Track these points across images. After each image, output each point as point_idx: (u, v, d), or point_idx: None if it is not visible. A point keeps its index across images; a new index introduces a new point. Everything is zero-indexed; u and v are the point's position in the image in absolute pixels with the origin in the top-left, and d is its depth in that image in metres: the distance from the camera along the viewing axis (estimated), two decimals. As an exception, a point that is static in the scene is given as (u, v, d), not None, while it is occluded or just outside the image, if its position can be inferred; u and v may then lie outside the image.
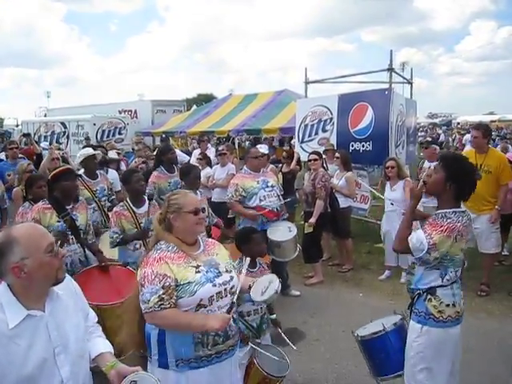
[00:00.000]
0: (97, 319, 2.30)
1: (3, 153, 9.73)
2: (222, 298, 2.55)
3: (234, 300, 2.60)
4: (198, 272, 2.51)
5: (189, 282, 2.45)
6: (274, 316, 3.87)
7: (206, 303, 2.49)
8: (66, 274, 2.03)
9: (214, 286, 2.52)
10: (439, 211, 2.90)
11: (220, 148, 9.80)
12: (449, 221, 2.80)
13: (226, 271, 2.64)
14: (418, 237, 2.83)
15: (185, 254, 2.56)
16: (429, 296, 2.91)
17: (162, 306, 2.38)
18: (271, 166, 8.05)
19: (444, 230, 2.78)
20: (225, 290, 2.57)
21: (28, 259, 1.82)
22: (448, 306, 2.89)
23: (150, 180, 6.03)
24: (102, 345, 2.17)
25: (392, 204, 6.30)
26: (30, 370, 1.80)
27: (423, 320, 2.91)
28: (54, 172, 4.38)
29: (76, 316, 2.05)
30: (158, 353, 2.53)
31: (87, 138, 13.41)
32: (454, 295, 2.91)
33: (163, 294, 2.39)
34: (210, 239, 2.95)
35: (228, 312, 2.51)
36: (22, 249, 1.82)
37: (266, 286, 2.77)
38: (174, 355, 2.51)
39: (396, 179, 6.29)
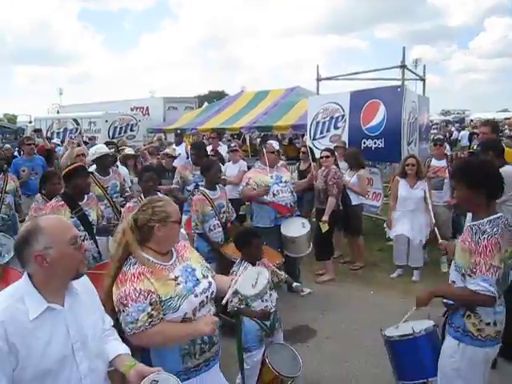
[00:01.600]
0: (113, 323, 2.28)
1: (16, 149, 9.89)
2: (203, 306, 2.50)
3: (223, 303, 2.61)
4: (178, 284, 2.42)
5: (171, 297, 2.36)
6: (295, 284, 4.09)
7: (190, 316, 2.43)
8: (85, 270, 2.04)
9: (196, 296, 2.45)
10: (473, 223, 2.73)
11: (232, 145, 9.80)
12: (485, 236, 2.61)
13: (204, 277, 2.57)
14: (484, 281, 2.55)
15: (161, 266, 2.43)
16: (468, 312, 2.75)
17: (153, 323, 2.29)
18: (281, 162, 8.01)
19: (488, 251, 2.56)
20: (206, 297, 2.53)
21: (51, 249, 1.84)
22: (488, 324, 2.71)
23: (177, 169, 6.58)
24: (119, 346, 2.16)
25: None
26: (49, 364, 1.81)
27: (460, 336, 2.76)
28: (67, 169, 4.43)
29: (93, 314, 2.06)
30: (153, 353, 2.45)
31: (92, 138, 13.46)
32: (495, 313, 2.72)
33: (152, 310, 2.29)
34: (180, 242, 2.77)
35: (216, 315, 2.49)
36: (46, 238, 1.84)
37: (255, 277, 2.74)
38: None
39: (415, 177, 6.23)
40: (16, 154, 11.80)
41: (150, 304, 2.30)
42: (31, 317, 1.81)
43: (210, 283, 2.57)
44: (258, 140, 16.31)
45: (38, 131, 13.14)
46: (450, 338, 2.84)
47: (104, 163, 5.80)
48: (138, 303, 2.27)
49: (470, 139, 23.09)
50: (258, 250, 3.73)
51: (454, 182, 2.95)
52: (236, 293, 2.73)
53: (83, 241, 4.20)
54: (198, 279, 2.52)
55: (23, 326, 1.78)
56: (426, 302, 2.94)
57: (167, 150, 8.20)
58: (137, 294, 2.28)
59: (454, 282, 2.87)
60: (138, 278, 2.33)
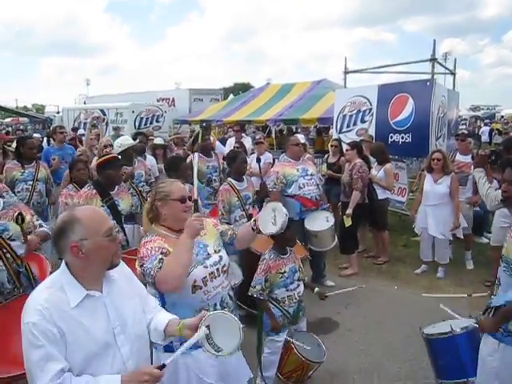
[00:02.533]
0: (158, 302, 2.35)
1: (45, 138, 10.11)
2: (215, 277, 2.65)
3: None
4: None
5: None
6: (316, 289, 4.03)
7: (200, 284, 2.57)
8: (121, 260, 2.08)
9: (205, 267, 2.61)
10: None
11: (257, 137, 9.83)
12: None
13: (215, 252, 2.72)
14: None
15: (174, 238, 2.59)
16: None
17: (162, 261, 2.44)
18: (308, 155, 7.99)
19: None
20: (217, 269, 2.67)
21: (87, 240, 1.87)
22: None
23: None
24: (166, 316, 2.20)
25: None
26: (94, 349, 1.87)
27: (500, 336, 2.66)
28: (100, 160, 4.50)
29: (132, 300, 2.10)
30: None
31: (117, 128, 13.62)
32: None
33: (163, 256, 2.46)
34: None
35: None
36: (82, 229, 1.88)
37: (273, 215, 2.75)
38: (178, 337, 2.49)
39: (441, 172, 6.15)
40: (44, 143, 12.06)
41: (161, 253, 2.48)
42: (72, 304, 1.86)
43: (220, 257, 2.72)
44: (284, 132, 16.27)
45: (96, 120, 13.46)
46: (489, 338, 2.75)
47: (130, 154, 5.86)
48: (151, 256, 2.47)
49: (491, 135, 22.72)
50: (289, 233, 3.70)
51: (503, 175, 2.84)
52: (259, 232, 2.80)
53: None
54: (208, 253, 2.68)
55: (66, 313, 1.83)
56: (488, 331, 2.79)
57: None
58: (149, 251, 2.49)
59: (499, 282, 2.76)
60: (152, 241, 2.55)
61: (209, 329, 1.92)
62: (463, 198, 6.54)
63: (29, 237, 3.36)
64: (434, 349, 3.27)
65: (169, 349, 2.46)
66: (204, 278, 2.58)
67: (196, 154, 3.54)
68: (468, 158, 6.91)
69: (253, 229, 2.82)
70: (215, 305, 2.64)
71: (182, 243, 2.49)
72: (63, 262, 1.96)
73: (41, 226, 3.63)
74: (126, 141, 6.04)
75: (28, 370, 1.81)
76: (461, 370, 3.05)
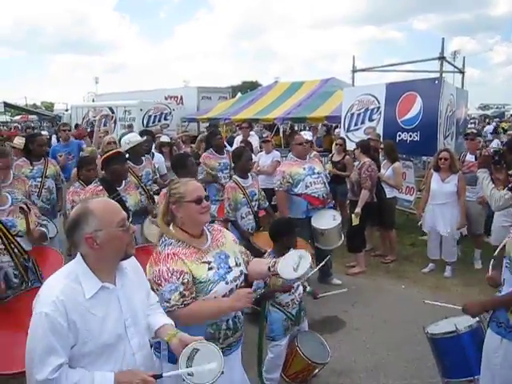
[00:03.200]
0: (157, 299, 2.32)
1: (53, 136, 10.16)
2: (232, 293, 2.49)
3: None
4: (211, 269, 2.45)
5: (203, 281, 2.40)
6: (308, 288, 3.88)
7: None
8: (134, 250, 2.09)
9: (227, 283, 2.48)
10: None
11: (264, 135, 9.84)
12: None
13: (236, 265, 2.58)
14: None
15: (195, 248, 2.47)
16: None
17: (185, 303, 2.32)
18: (314, 152, 7.98)
19: None
20: (236, 286, 2.53)
21: (101, 231, 1.90)
22: None
23: (201, 160, 6.59)
24: (164, 318, 2.21)
25: None
26: (106, 340, 1.89)
27: (503, 332, 2.62)
28: (105, 156, 4.52)
29: (141, 291, 2.13)
30: (167, 348, 2.37)
31: (129, 126, 13.70)
32: None
33: (184, 290, 2.33)
34: (214, 225, 2.81)
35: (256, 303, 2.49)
36: (96, 221, 1.90)
37: (297, 261, 2.64)
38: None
39: (448, 171, 6.13)
40: (54, 141, 12.15)
41: (182, 284, 2.33)
42: (87, 295, 1.88)
43: (241, 272, 2.60)
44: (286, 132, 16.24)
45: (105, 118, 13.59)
46: (492, 334, 2.73)
47: (138, 152, 5.87)
48: (171, 283, 2.32)
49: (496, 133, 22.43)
50: (291, 241, 3.70)
51: None
52: (276, 275, 2.66)
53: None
54: (230, 267, 2.54)
55: (80, 304, 1.86)
56: (474, 314, 2.84)
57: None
58: (169, 274, 2.33)
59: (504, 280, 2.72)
60: (172, 258, 2.38)
61: (196, 352, 1.94)
62: (474, 198, 6.51)
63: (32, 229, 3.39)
64: (438, 348, 3.25)
65: (172, 360, 2.39)
66: (224, 295, 2.45)
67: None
68: None
69: (269, 268, 2.63)
70: (228, 320, 2.55)
71: (220, 307, 2.41)
72: (78, 253, 1.97)
73: (41, 226, 3.64)
74: (134, 138, 6.04)
75: (29, 357, 1.83)
76: (467, 368, 3.03)
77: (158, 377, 1.90)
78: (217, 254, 2.53)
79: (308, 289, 3.87)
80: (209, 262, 2.46)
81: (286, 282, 3.29)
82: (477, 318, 3.01)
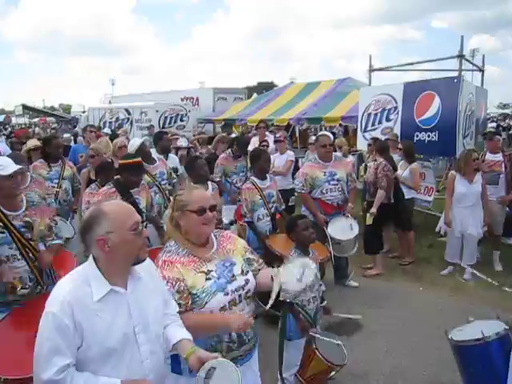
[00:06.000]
0: (178, 309, 2.27)
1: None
2: (235, 304, 2.39)
3: (267, 308, 2.39)
4: (209, 279, 2.36)
5: (198, 292, 2.32)
6: (324, 303, 3.81)
7: (217, 313, 2.36)
8: (147, 257, 2.05)
9: (226, 294, 2.36)
10: None
11: (277, 135, 9.78)
12: None
13: (242, 273, 2.46)
14: None
15: (195, 257, 2.40)
16: None
17: (179, 311, 2.26)
18: (339, 155, 7.65)
19: None
20: (239, 296, 2.41)
21: (112, 234, 1.88)
22: None
23: (217, 162, 6.62)
24: (182, 332, 2.17)
25: None
26: (113, 344, 1.87)
27: None
28: (125, 162, 4.48)
29: (156, 299, 2.09)
30: (170, 357, 2.34)
31: (150, 127, 13.77)
32: None
33: (179, 298, 2.29)
34: (226, 233, 2.70)
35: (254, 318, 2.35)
36: (108, 223, 1.89)
37: (300, 271, 2.51)
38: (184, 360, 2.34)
39: (474, 172, 6.01)
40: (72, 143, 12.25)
41: (177, 292, 2.29)
42: (95, 298, 1.87)
43: (247, 281, 2.47)
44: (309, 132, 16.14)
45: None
46: None
47: (144, 151, 5.88)
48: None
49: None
50: (307, 231, 3.71)
51: None
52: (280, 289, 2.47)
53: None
54: (234, 275, 2.43)
55: (88, 307, 1.85)
56: None
57: None
58: (164, 282, 2.29)
59: None
60: (168, 265, 2.34)
61: (213, 370, 1.90)
62: (495, 198, 6.39)
63: (41, 251, 3.31)
64: (463, 356, 3.05)
65: (176, 370, 2.40)
66: (222, 307, 2.35)
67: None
68: (498, 157, 6.72)
69: (272, 278, 2.48)
70: (230, 333, 2.41)
71: (214, 323, 2.33)
72: (91, 256, 1.97)
73: (56, 235, 3.52)
74: (134, 142, 6.01)
75: (36, 357, 1.84)
76: (493, 378, 2.86)
77: None
78: (221, 262, 2.45)
79: (324, 303, 3.82)
80: (208, 272, 2.38)
81: (291, 297, 2.91)
82: (504, 326, 2.87)
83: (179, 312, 2.26)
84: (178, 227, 2.46)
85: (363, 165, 7.98)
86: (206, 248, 2.47)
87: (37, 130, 19.20)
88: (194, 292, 2.32)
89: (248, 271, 2.52)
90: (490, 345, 2.86)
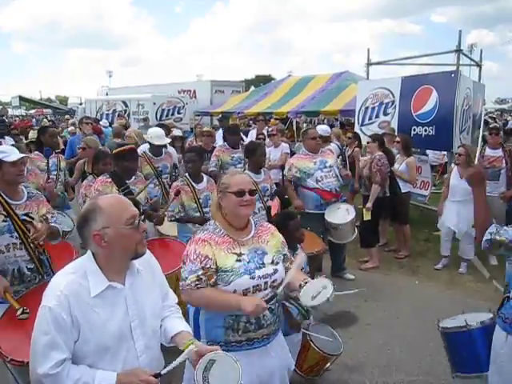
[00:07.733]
0: (177, 300, 2.30)
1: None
2: (259, 291, 2.45)
3: (278, 292, 2.48)
4: (239, 261, 2.44)
5: (226, 270, 2.40)
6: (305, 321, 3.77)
7: (240, 294, 2.41)
8: (147, 250, 2.05)
9: (252, 278, 2.43)
10: None
11: (270, 129, 9.75)
12: None
13: (272, 263, 2.53)
14: None
15: (231, 238, 2.49)
16: None
17: (199, 286, 2.36)
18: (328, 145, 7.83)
19: None
20: (265, 283, 2.47)
21: (109, 228, 1.86)
22: None
23: (213, 153, 6.55)
24: (181, 324, 2.17)
25: None
26: (109, 340, 1.87)
27: (508, 328, 2.54)
28: (118, 150, 4.50)
29: (154, 292, 2.09)
30: (192, 330, 2.40)
31: (146, 119, 13.75)
32: None
33: (202, 274, 2.37)
34: (267, 224, 2.79)
35: (267, 302, 2.39)
36: (104, 218, 1.87)
37: (319, 290, 2.55)
38: (205, 336, 2.52)
39: (465, 167, 6.01)
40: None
41: (202, 268, 2.38)
42: (92, 294, 1.86)
43: (275, 270, 2.52)
44: (305, 125, 16.17)
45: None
46: (499, 329, 2.66)
47: (159, 147, 5.91)
48: (193, 264, 2.39)
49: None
50: (297, 233, 3.73)
51: None
52: (294, 297, 2.70)
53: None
54: (263, 263, 2.49)
55: (85, 302, 1.84)
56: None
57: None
58: (194, 256, 2.41)
59: None
60: (202, 242, 2.45)
61: (212, 363, 1.90)
62: (496, 194, 6.41)
63: (39, 224, 3.20)
64: (449, 342, 3.25)
65: None
66: (246, 289, 2.41)
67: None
68: (499, 152, 6.72)
69: (300, 285, 2.54)
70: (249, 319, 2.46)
71: (229, 301, 2.37)
72: (89, 250, 1.96)
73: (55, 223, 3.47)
74: (158, 140, 5.96)
75: (33, 351, 1.84)
76: (476, 364, 3.00)
77: (157, 375, 1.87)
78: (253, 248, 2.52)
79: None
80: (240, 254, 2.47)
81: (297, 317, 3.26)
82: (491, 315, 2.99)
83: (198, 287, 2.35)
84: (219, 208, 2.58)
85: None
86: (243, 232, 2.56)
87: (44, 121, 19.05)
88: (223, 269, 2.41)
89: (279, 262, 2.59)
90: (473, 332, 3.03)
